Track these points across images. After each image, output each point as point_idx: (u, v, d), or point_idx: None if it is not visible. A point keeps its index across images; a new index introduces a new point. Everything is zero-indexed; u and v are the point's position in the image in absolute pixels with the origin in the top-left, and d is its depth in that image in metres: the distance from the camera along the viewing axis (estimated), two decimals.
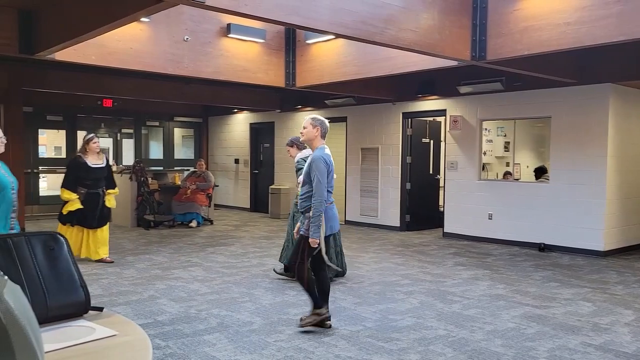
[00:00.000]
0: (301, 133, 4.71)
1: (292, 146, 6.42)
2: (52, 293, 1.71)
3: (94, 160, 7.31)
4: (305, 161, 6.72)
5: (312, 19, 4.99)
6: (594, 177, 8.24)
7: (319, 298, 4.64)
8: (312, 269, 4.65)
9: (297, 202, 5.79)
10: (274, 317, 5.01)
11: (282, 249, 6.72)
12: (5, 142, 4.24)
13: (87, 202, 7.22)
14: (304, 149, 6.40)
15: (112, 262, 7.41)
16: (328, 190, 4.53)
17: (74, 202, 7.20)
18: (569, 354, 4.14)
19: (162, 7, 4.53)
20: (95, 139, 7.39)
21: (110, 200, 7.50)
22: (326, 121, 4.69)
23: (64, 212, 7.27)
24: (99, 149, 7.43)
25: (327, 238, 4.65)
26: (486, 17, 6.05)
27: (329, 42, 7.77)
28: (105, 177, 7.46)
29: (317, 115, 4.83)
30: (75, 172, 7.25)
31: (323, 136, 4.64)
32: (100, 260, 7.38)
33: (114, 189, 7.60)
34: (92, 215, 7.30)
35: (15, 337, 0.85)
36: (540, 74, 7.43)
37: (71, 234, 7.30)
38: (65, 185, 7.27)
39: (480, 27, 6.08)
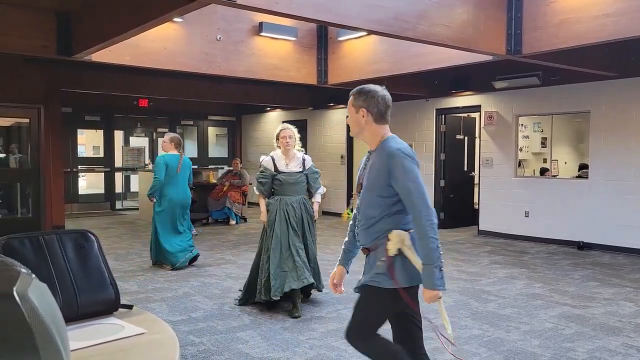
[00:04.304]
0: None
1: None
2: (82, 290, 1.74)
3: None
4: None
5: (344, 15, 4.96)
6: (635, 173, 7.98)
7: None
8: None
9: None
10: (307, 315, 5.00)
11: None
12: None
13: None
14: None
15: None
16: None
17: None
18: (610, 355, 4.02)
19: (194, 7, 4.56)
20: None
21: None
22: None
23: None
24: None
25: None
26: (522, 10, 5.92)
27: (361, 38, 7.72)
28: None
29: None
30: None
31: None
32: None
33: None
34: None
35: (40, 336, 0.85)
36: (578, 68, 7.23)
37: None
38: None
39: (516, 21, 5.96)
